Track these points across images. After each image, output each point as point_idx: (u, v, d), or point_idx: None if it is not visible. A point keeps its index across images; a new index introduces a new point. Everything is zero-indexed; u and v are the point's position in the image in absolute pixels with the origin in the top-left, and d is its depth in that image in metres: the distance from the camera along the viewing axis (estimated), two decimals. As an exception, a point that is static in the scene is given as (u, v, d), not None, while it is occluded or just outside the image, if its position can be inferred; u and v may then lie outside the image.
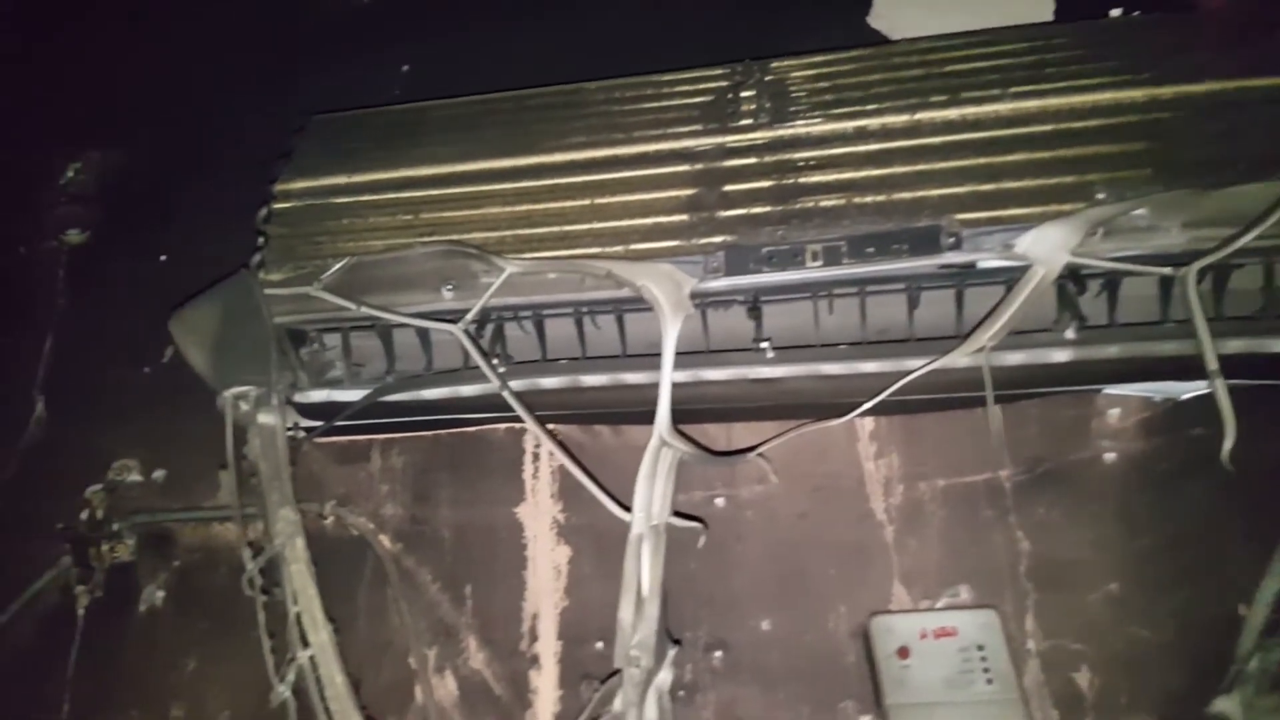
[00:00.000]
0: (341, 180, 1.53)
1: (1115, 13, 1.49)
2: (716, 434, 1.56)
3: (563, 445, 1.40)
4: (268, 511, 1.44)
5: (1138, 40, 1.36)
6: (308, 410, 1.57)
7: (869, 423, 1.56)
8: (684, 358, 1.40)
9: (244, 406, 1.46)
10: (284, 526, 1.43)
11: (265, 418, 1.46)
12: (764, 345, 1.38)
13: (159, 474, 1.78)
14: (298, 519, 1.45)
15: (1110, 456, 1.45)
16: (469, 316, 1.37)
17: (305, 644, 1.42)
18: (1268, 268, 1.26)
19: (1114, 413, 1.47)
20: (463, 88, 1.66)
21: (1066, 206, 1.25)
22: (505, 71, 1.70)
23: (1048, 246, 1.21)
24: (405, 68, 2.00)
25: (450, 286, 1.40)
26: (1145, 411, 1.45)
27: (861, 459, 1.55)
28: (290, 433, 1.53)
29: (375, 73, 2.00)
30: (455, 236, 1.44)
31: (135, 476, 1.79)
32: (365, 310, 1.40)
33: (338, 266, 1.44)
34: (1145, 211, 1.21)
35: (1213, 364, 1.15)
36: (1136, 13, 1.48)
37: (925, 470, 1.51)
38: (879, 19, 1.81)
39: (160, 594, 1.70)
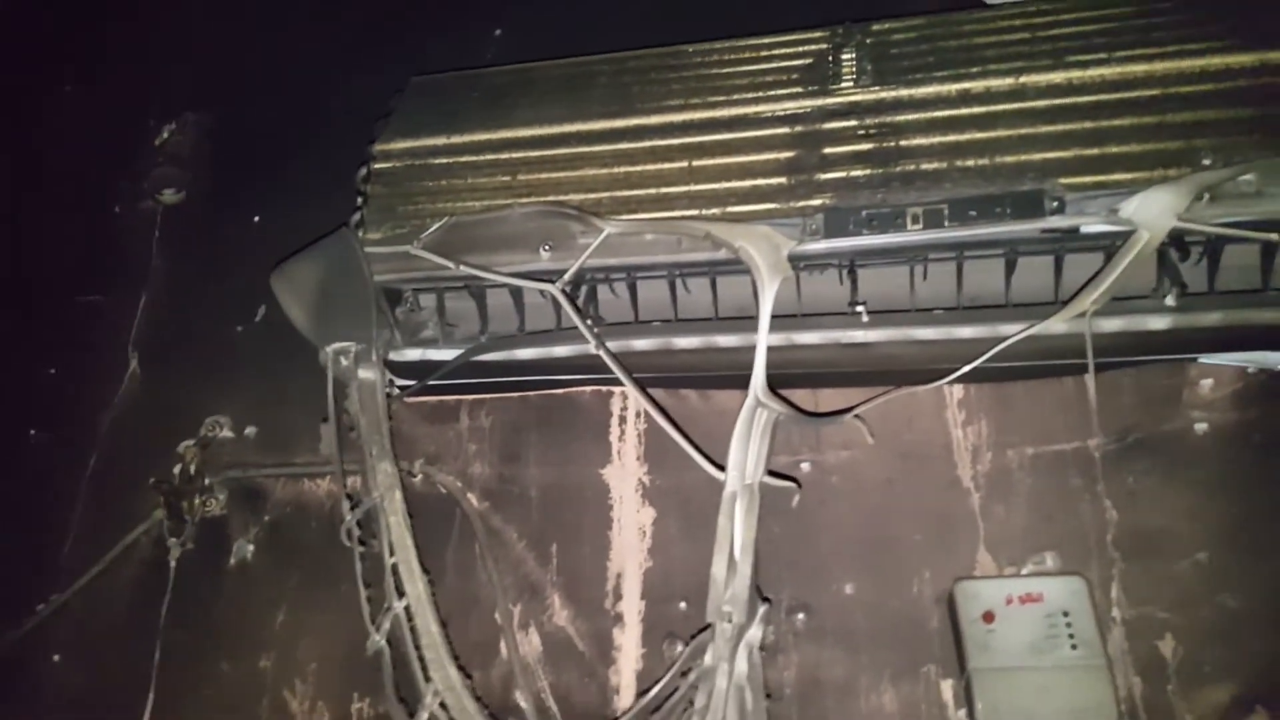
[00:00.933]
0: (441, 141, 1.56)
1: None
2: (804, 399, 1.56)
3: (660, 408, 1.41)
4: (367, 465, 1.48)
5: (1247, 4, 1.34)
6: (401, 369, 1.61)
7: (958, 390, 1.56)
8: (777, 321, 1.41)
9: (344, 362, 1.50)
10: (383, 479, 1.46)
11: (366, 373, 1.50)
12: (859, 309, 1.39)
13: (250, 430, 1.83)
14: (395, 472, 1.48)
15: (1201, 427, 1.45)
16: (566, 276, 1.40)
17: (401, 594, 1.45)
18: (1379, 235, 1.25)
19: (1206, 384, 1.46)
20: (554, 53, 1.68)
21: (1172, 172, 1.24)
22: (600, 36, 1.71)
23: (1154, 211, 1.21)
24: (498, 31, 2.03)
25: (548, 247, 1.42)
26: (1238, 383, 1.45)
27: (950, 426, 1.55)
28: (386, 390, 1.56)
29: (468, 38, 2.04)
30: (553, 198, 1.46)
31: (227, 433, 1.84)
32: (464, 269, 1.43)
33: (437, 226, 1.47)
34: (1252, 177, 1.20)
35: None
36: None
37: (1014, 438, 1.52)
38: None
39: (250, 548, 1.75)
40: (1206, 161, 1.24)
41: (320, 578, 1.66)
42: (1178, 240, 1.28)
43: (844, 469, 1.56)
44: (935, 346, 1.39)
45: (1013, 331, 1.31)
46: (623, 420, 1.67)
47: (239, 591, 1.73)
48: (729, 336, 1.45)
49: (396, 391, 1.61)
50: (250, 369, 1.87)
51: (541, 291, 1.43)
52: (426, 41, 2.02)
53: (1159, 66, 1.31)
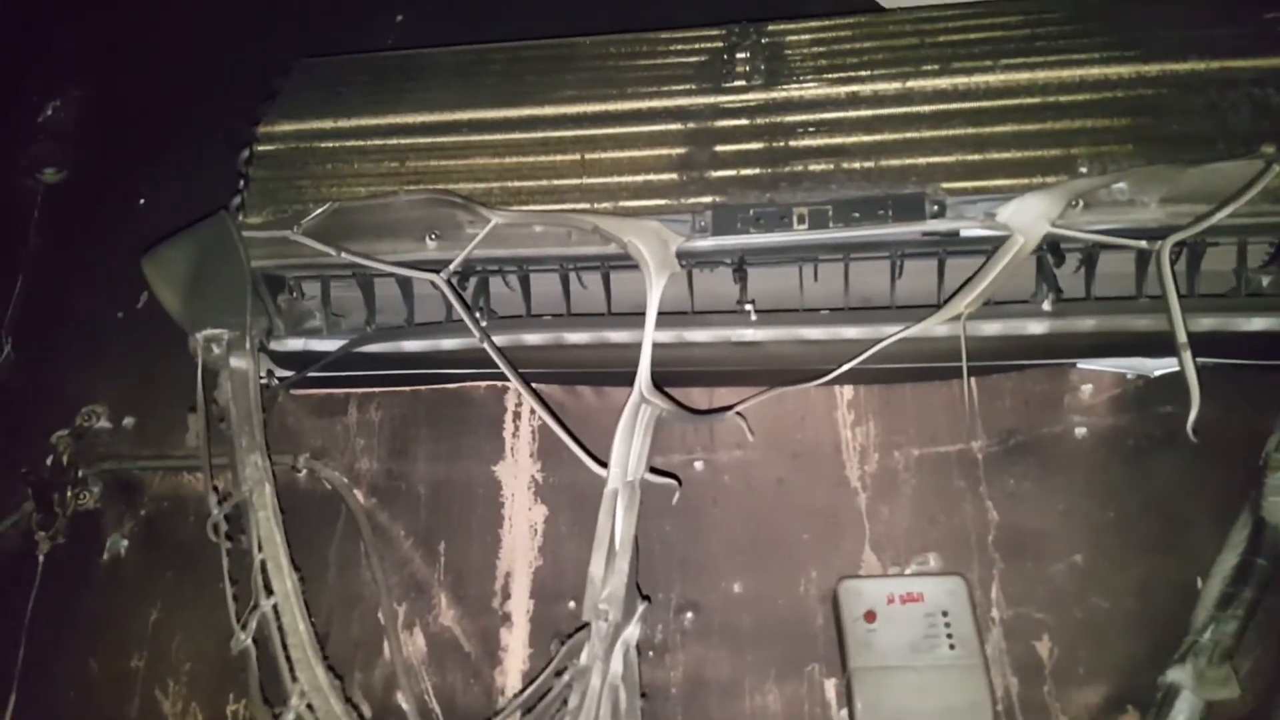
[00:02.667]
0: (328, 124, 1.52)
1: (1106, -14, 1.51)
2: (699, 397, 1.56)
3: (544, 403, 1.39)
4: (236, 457, 1.42)
5: (1127, 16, 1.38)
6: (284, 359, 1.56)
7: (848, 391, 1.57)
8: (668, 318, 1.41)
9: (216, 350, 1.44)
10: (252, 473, 1.41)
11: (238, 362, 1.44)
12: (747, 307, 1.38)
13: (129, 421, 1.75)
14: (266, 465, 1.43)
15: (1081, 431, 1.48)
16: (452, 266, 1.36)
17: (269, 592, 1.40)
18: (1241, 247, 1.29)
19: (1086, 388, 1.49)
20: (456, 40, 1.64)
21: (1050, 179, 1.27)
22: (501, 24, 1.68)
23: (1029, 217, 1.23)
24: (399, 17, 1.98)
25: (434, 236, 1.39)
26: (1117, 388, 1.48)
27: (839, 426, 1.56)
28: (264, 381, 1.50)
29: (369, 20, 1.98)
30: (442, 186, 1.43)
31: (104, 423, 1.75)
32: (345, 257, 1.39)
33: (319, 211, 1.43)
34: (1125, 185, 1.23)
35: (1182, 337, 1.17)
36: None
37: (900, 439, 1.53)
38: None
39: (124, 542, 1.67)
40: (1083, 169, 1.27)
41: (196, 575, 1.59)
42: (1054, 246, 1.30)
43: (736, 468, 1.56)
44: (822, 346, 1.40)
45: (895, 332, 1.32)
46: (517, 416, 1.64)
47: (111, 588, 1.65)
48: (620, 333, 1.43)
49: (276, 382, 1.55)
50: (131, 357, 1.79)
51: (432, 282, 1.39)
52: (325, 24, 1.96)
53: (1040, 75, 1.34)
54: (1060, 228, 1.23)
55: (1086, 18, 1.39)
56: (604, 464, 1.31)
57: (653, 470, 1.34)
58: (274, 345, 1.53)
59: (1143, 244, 1.22)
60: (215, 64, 1.99)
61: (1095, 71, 1.32)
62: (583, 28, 1.58)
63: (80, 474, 1.70)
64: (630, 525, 1.30)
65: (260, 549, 1.38)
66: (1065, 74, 1.33)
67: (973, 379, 1.52)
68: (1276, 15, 1.31)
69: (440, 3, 1.96)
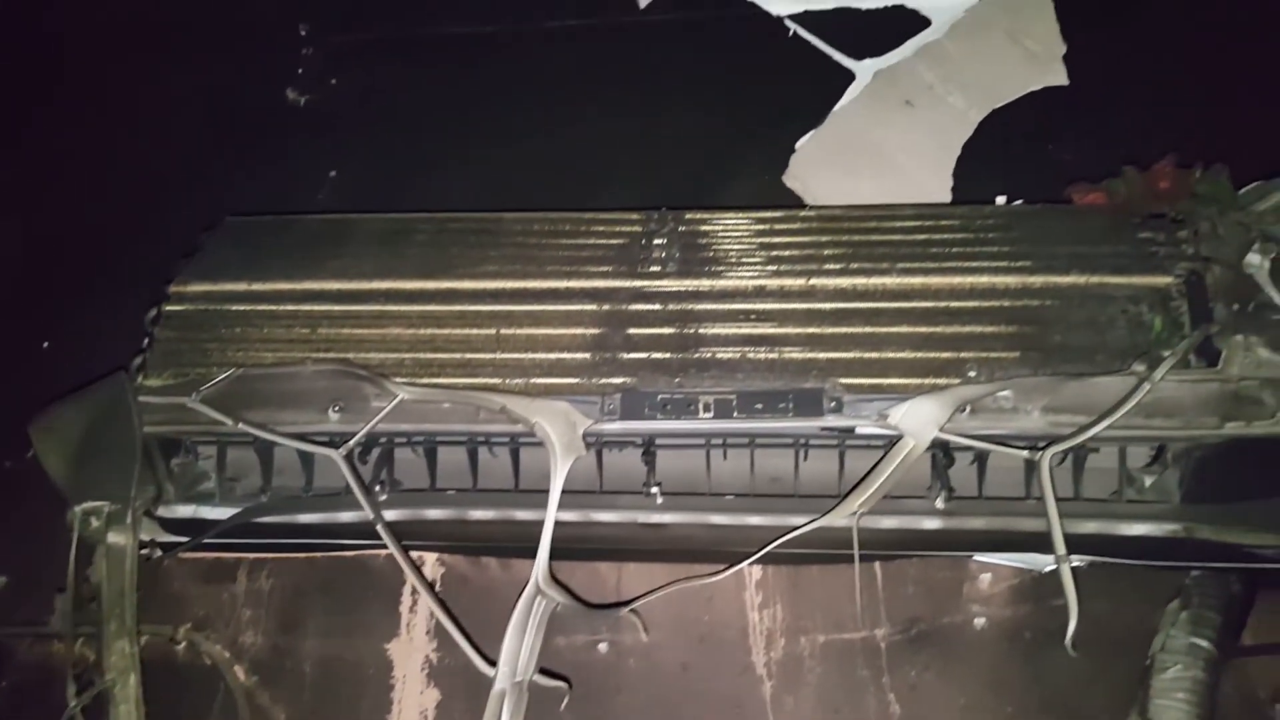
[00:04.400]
0: (241, 287, 1.51)
1: (1000, 200, 1.62)
2: (608, 574, 1.54)
3: (431, 586, 1.34)
4: (103, 642, 1.33)
5: (1017, 228, 1.47)
6: (173, 525, 1.49)
7: (756, 571, 1.56)
8: (576, 497, 1.39)
9: (95, 523, 1.37)
10: (118, 661, 1.31)
11: (116, 538, 1.37)
12: (653, 491, 1.38)
13: (1, 580, 1.64)
14: (134, 653, 1.33)
15: (980, 622, 1.48)
16: (352, 441, 1.34)
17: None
18: (1122, 453, 1.34)
19: (985, 578, 1.51)
20: (388, 200, 1.68)
21: (942, 380, 1.32)
22: (436, 189, 1.71)
23: (918, 420, 1.27)
24: (333, 173, 2.01)
25: (338, 408, 1.37)
26: (1014, 579, 1.50)
27: (747, 608, 1.54)
28: (145, 551, 1.43)
29: (303, 175, 2.01)
30: (352, 355, 1.42)
31: (-28, 580, 1.64)
32: (243, 426, 1.35)
33: (221, 377, 1.40)
34: (1010, 394, 1.28)
35: (1060, 549, 1.21)
36: (1020, 201, 1.60)
37: (807, 624, 1.52)
38: (793, 179, 1.93)
39: (-18, 715, 1.54)
40: (972, 373, 1.32)
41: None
42: (945, 447, 1.33)
43: (641, 652, 1.51)
44: (729, 531, 1.40)
45: (801, 522, 1.33)
46: (415, 590, 1.58)
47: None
48: (526, 511, 1.41)
49: (158, 552, 1.47)
50: (14, 512, 1.69)
51: (329, 456, 1.36)
52: (260, 177, 1.98)
53: (934, 280, 1.41)
54: (948, 432, 1.26)
55: (981, 228, 1.47)
56: (492, 662, 1.26)
57: (543, 671, 1.29)
58: (162, 511, 1.46)
59: (1024, 453, 1.26)
60: (149, 211, 1.97)
61: (985, 280, 1.40)
62: (516, 199, 1.62)
63: (-60, 637, 1.58)
64: (518, 730, 1.24)
65: (120, 743, 1.27)
66: (957, 280, 1.40)
67: (877, 563, 1.52)
68: (1152, 236, 1.42)
69: (374, 162, 2.00)
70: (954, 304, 1.39)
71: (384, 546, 1.53)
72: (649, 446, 1.40)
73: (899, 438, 1.28)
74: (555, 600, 1.28)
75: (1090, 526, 1.32)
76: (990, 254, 1.43)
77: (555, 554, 1.32)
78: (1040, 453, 1.25)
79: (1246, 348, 1.28)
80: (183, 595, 1.59)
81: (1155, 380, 1.24)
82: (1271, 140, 1.72)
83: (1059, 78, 1.91)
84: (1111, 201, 1.50)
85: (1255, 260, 1.33)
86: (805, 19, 2.00)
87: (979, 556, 1.48)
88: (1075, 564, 1.42)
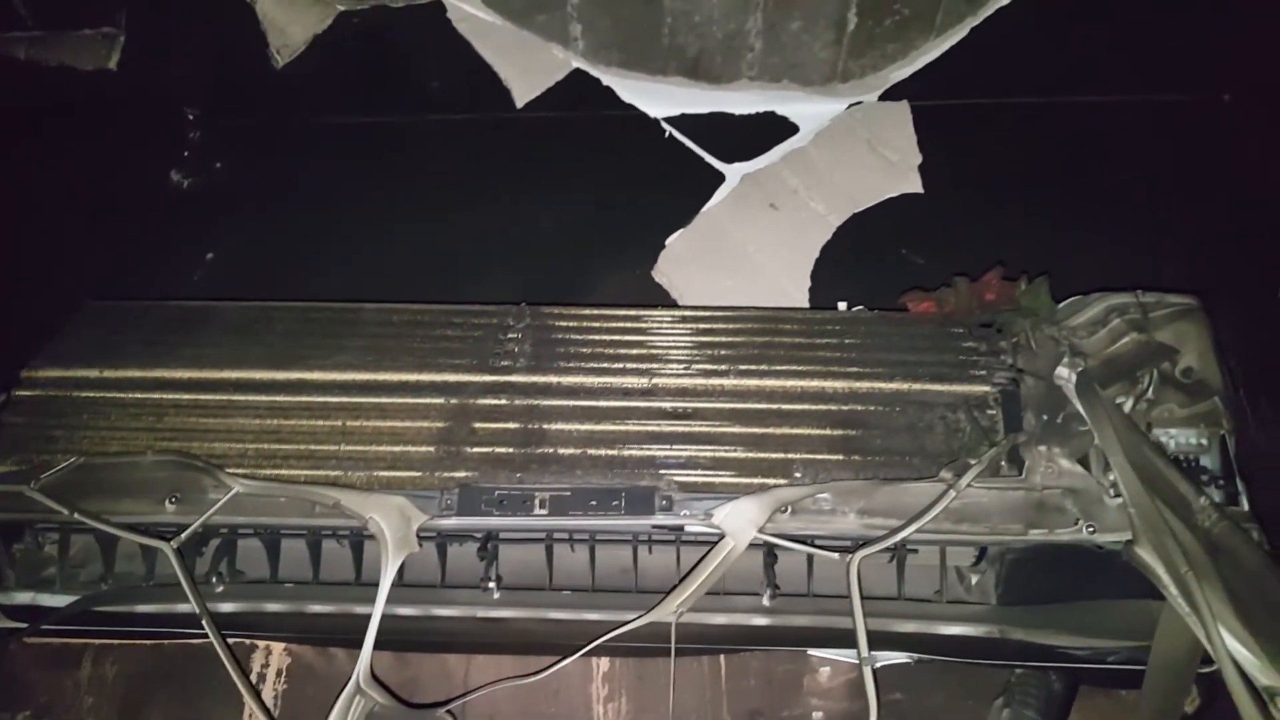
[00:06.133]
0: (93, 373, 1.51)
1: (841, 306, 1.69)
2: (456, 665, 1.55)
3: (250, 683, 1.33)
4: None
5: (851, 333, 1.54)
6: (12, 611, 1.47)
7: (604, 664, 1.58)
8: (415, 591, 1.42)
9: (-81, 612, 1.35)
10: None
11: (-57, 626, 1.35)
12: (490, 586, 1.40)
13: None
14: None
15: (818, 716, 1.51)
16: (184, 535, 1.34)
17: None
18: (942, 553, 1.40)
19: (825, 671, 1.54)
20: (263, 284, 1.70)
21: (771, 480, 1.37)
22: (311, 274, 1.74)
23: (740, 520, 1.31)
24: (210, 255, 2.04)
25: (175, 499, 1.37)
26: (852, 673, 1.54)
27: (593, 701, 1.56)
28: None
29: (181, 257, 2.03)
30: (197, 445, 1.43)
31: None
32: (78, 517, 1.35)
33: (62, 466, 1.39)
34: (828, 496, 1.33)
35: (863, 650, 1.25)
36: (860, 307, 1.68)
37: (651, 717, 1.53)
38: (661, 274, 2.00)
39: None
40: (798, 474, 1.37)
41: None
42: (770, 546, 1.38)
43: (484, 744, 1.52)
44: (567, 625, 1.42)
45: (631, 617, 1.35)
46: (262, 678, 1.57)
47: None
48: (364, 605, 1.41)
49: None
50: None
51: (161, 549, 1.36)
52: (137, 257, 2.00)
53: (769, 383, 1.47)
54: (767, 532, 1.31)
55: (818, 333, 1.54)
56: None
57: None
58: (0, 599, 1.44)
59: (834, 556, 1.31)
60: (16, 291, 1.97)
61: (815, 384, 1.46)
62: (396, 286, 1.64)
63: None
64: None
65: None
66: (790, 384, 1.46)
67: (721, 656, 1.55)
68: (975, 345, 1.50)
69: (252, 246, 2.03)
70: (785, 406, 1.45)
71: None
72: (488, 541, 1.42)
73: (722, 536, 1.33)
74: (374, 700, 1.28)
75: (910, 626, 1.37)
76: (823, 358, 1.50)
77: (400, 646, 1.33)
78: (850, 555, 1.29)
79: (1049, 458, 1.36)
80: (26, 680, 1.57)
81: (960, 487, 1.31)
82: (1105, 254, 1.84)
83: (915, 186, 2.03)
84: (942, 310, 1.58)
85: (1064, 373, 1.42)
86: (680, 121, 2.11)
87: (812, 651, 1.51)
88: (903, 660, 1.48)
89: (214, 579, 1.43)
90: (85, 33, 2.09)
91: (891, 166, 2.02)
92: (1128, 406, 1.38)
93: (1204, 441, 1.39)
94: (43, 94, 2.12)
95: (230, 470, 1.38)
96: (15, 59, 2.11)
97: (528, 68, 2.13)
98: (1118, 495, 1.31)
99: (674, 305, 1.78)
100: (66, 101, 2.12)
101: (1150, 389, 1.38)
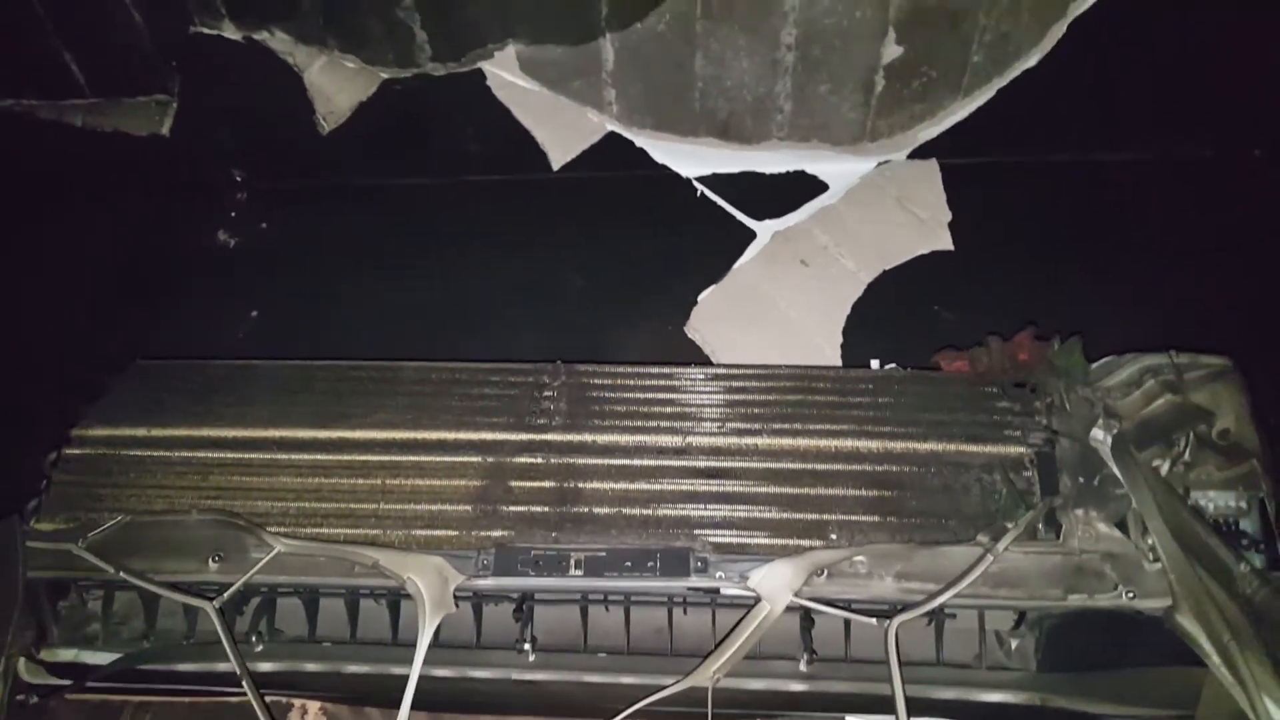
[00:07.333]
0: (140, 432, 1.55)
1: (874, 364, 1.70)
2: (488, 726, 1.53)
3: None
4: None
5: (884, 392, 1.54)
6: (55, 669, 1.49)
7: (635, 726, 1.56)
8: (450, 652, 1.43)
9: (-35, 673, 1.38)
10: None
11: (-12, 687, 1.38)
12: (525, 648, 1.41)
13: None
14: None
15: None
16: (227, 594, 1.36)
17: None
18: (981, 618, 1.39)
19: (860, 736, 1.52)
20: (305, 341, 1.74)
21: (806, 541, 1.37)
22: (352, 332, 1.76)
23: (775, 584, 1.31)
24: (254, 313, 2.09)
25: (218, 558, 1.40)
26: (889, 738, 1.51)
27: (625, 765, 1.53)
28: (21, 697, 1.43)
29: (227, 314, 2.09)
30: (240, 504, 1.46)
31: None
32: (123, 575, 1.38)
33: (109, 524, 1.43)
34: (864, 559, 1.33)
35: (902, 717, 1.23)
36: (892, 365, 1.69)
37: (685, 782, 1.51)
38: (694, 330, 2.03)
39: None
40: (833, 536, 1.37)
41: None
42: (805, 610, 1.37)
43: (516, 808, 1.50)
44: (600, 689, 1.41)
45: (669, 682, 1.35)
46: (296, 737, 1.57)
47: None
48: (400, 666, 1.42)
49: (34, 699, 1.47)
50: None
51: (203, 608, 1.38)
52: (184, 313, 2.06)
53: (803, 442, 1.47)
54: (804, 596, 1.31)
55: (851, 391, 1.55)
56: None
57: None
58: (44, 655, 1.47)
59: (872, 621, 1.30)
60: (68, 351, 2.03)
61: (849, 444, 1.46)
62: (432, 341, 1.67)
63: None
64: None
65: None
66: (824, 443, 1.46)
67: (757, 719, 1.53)
68: (1009, 406, 1.49)
69: (296, 304, 2.09)
70: (819, 466, 1.45)
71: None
72: (523, 602, 1.43)
73: (758, 599, 1.32)
74: (412, 764, 1.28)
75: (949, 693, 1.35)
76: (857, 417, 1.50)
77: (435, 706, 1.33)
78: (887, 620, 1.28)
79: (1086, 521, 1.35)
80: (64, 738, 1.57)
81: (998, 551, 1.30)
82: (1137, 313, 1.84)
83: (945, 243, 2.05)
84: (974, 369, 1.58)
85: (1099, 435, 1.41)
86: (712, 180, 2.15)
87: (850, 717, 1.49)
88: (942, 727, 1.45)
89: (253, 638, 1.45)
90: (139, 99, 2.18)
91: (921, 224, 2.04)
92: (1164, 469, 1.36)
93: (1243, 505, 1.37)
94: (99, 157, 2.21)
95: (272, 529, 1.41)
96: (73, 125, 2.21)
97: (564, 131, 2.19)
98: (1156, 560, 1.29)
99: (707, 362, 1.80)
100: (121, 164, 2.20)
101: (1187, 451, 1.37)
